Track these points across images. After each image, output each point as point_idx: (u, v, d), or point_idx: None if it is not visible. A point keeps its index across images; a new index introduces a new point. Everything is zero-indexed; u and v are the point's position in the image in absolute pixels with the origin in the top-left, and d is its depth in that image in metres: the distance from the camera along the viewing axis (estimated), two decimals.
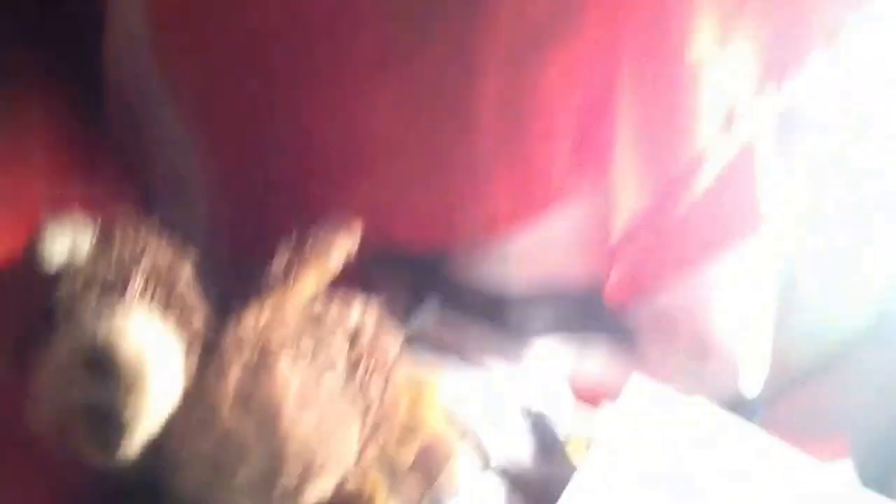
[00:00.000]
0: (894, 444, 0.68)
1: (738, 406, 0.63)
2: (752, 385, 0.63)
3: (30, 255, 0.41)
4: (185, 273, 0.43)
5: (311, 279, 0.44)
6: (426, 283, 0.60)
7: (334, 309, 0.45)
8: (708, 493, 0.55)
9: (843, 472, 0.64)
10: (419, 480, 0.51)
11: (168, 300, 0.41)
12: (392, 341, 0.47)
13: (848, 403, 0.69)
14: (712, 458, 0.56)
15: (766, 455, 0.57)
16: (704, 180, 0.57)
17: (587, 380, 0.65)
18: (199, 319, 0.42)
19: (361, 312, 0.46)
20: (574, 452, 0.62)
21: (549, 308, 0.61)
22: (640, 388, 0.59)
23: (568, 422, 0.63)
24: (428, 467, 0.52)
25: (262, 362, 0.41)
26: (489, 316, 0.61)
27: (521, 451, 0.61)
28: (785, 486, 0.56)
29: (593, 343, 0.64)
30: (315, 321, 0.44)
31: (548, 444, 0.63)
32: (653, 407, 0.58)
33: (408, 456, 0.50)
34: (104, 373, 0.39)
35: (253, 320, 0.42)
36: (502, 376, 0.62)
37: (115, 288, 0.41)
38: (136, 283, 0.41)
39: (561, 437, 0.62)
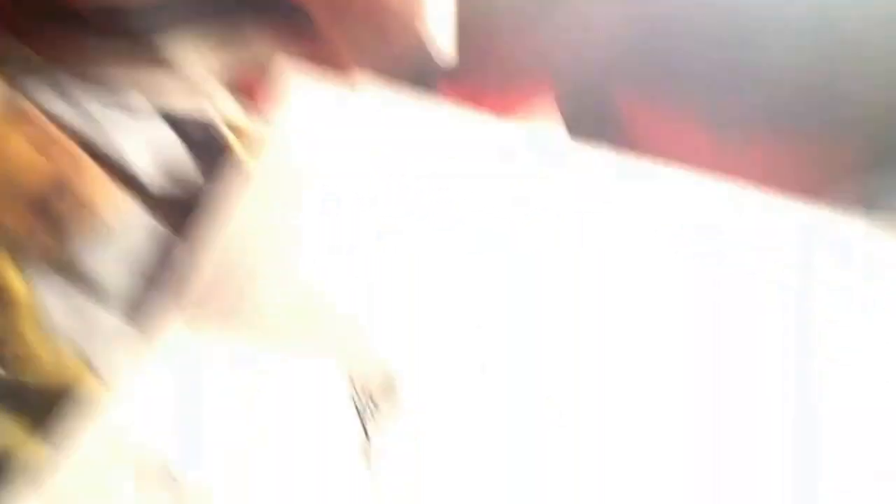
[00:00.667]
0: (599, 89, 0.63)
1: (430, 71, 0.57)
2: (442, 48, 0.57)
3: None
4: None
5: None
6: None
7: None
8: (390, 179, 0.50)
9: (547, 124, 0.59)
10: (49, 239, 0.45)
11: None
12: None
13: (551, 49, 0.63)
14: (390, 143, 0.50)
15: (451, 126, 0.51)
16: None
17: (247, 72, 0.57)
18: None
19: None
20: (240, 156, 0.55)
21: None
22: (300, 83, 0.52)
23: (229, 125, 0.56)
24: (53, 221, 0.45)
25: None
26: (112, 24, 0.51)
27: (178, 167, 0.54)
28: (476, 153, 0.51)
29: (248, 29, 0.56)
30: None
31: (210, 153, 0.56)
32: (319, 100, 0.51)
33: (21, 220, 0.43)
34: None
35: None
36: (141, 86, 0.54)
37: None
38: None
39: (223, 143, 0.55)
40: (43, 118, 0.52)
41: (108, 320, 0.52)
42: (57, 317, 0.51)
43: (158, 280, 0.53)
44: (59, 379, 0.50)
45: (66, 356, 0.50)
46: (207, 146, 0.57)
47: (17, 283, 0.49)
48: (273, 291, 0.48)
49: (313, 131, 0.54)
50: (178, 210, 0.55)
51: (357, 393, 0.48)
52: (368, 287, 0.50)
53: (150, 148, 0.56)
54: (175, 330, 0.49)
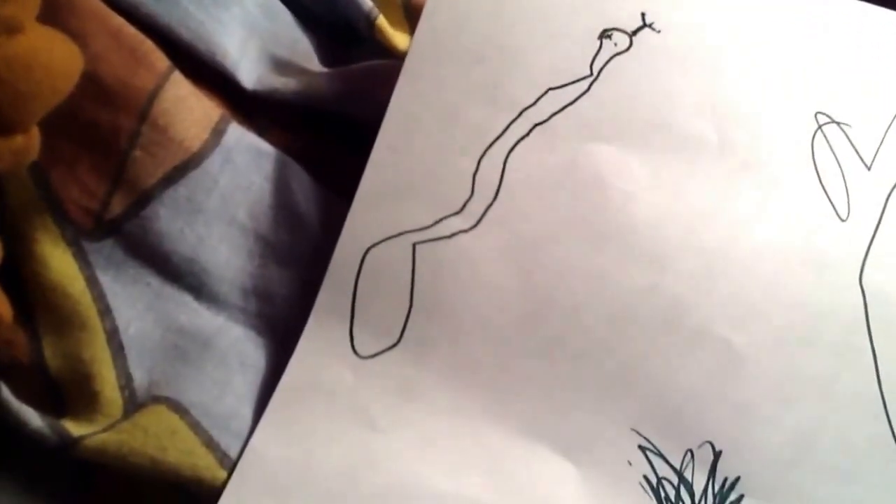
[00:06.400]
0: None
1: None
2: None
3: None
4: None
5: None
6: None
7: None
8: None
9: None
10: (99, 186, 0.35)
11: None
12: None
13: None
14: None
15: None
16: None
17: None
18: None
19: None
20: (386, 32, 0.40)
21: None
22: None
23: None
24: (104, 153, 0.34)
25: None
26: None
27: (295, 53, 0.40)
28: None
29: None
30: None
31: (341, 30, 0.41)
32: None
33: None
34: None
35: None
36: None
37: None
38: None
39: (366, 11, 0.40)
40: None
41: (216, 327, 0.35)
42: (135, 334, 0.35)
43: (290, 246, 0.36)
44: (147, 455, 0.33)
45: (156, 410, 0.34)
46: (336, 19, 0.41)
47: (77, 284, 0.34)
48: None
49: None
50: (301, 121, 0.39)
51: None
52: None
53: (247, 27, 0.38)
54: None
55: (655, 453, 0.33)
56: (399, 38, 0.39)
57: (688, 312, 0.33)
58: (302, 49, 0.39)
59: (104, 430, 0.32)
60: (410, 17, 0.40)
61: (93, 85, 0.33)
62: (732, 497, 0.33)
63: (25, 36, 0.29)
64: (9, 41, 0.29)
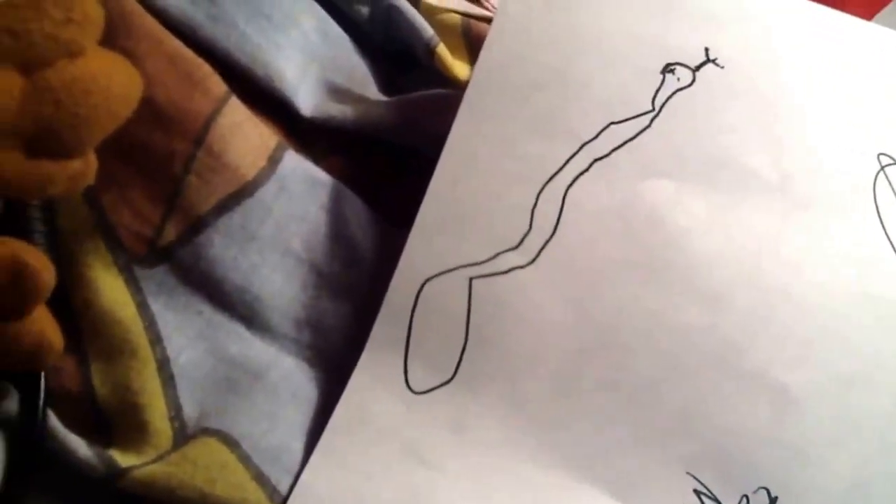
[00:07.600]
0: None
1: None
2: None
3: None
4: None
5: None
6: None
7: None
8: None
9: None
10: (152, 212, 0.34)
11: None
12: None
13: None
14: None
15: None
16: None
17: None
18: None
19: None
20: (447, 62, 0.40)
21: None
22: None
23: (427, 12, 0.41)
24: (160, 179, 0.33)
25: None
26: None
27: (353, 80, 0.39)
28: None
29: None
30: None
31: (398, 58, 0.41)
32: None
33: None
34: None
35: None
36: None
37: None
38: None
39: (419, 42, 0.39)
40: (144, 17, 0.34)
41: (267, 358, 0.34)
42: (186, 364, 0.34)
43: (344, 278, 0.36)
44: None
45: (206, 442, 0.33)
46: (395, 46, 0.41)
47: (128, 311, 0.33)
48: None
49: (558, 21, 0.36)
50: (358, 148, 0.38)
51: None
52: None
53: (306, 52, 0.38)
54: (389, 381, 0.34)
55: (710, 498, 0.33)
56: (458, 67, 0.38)
57: (744, 353, 0.33)
58: (359, 75, 0.38)
59: (153, 462, 0.31)
60: (470, 45, 0.39)
61: (148, 108, 0.32)
62: None
63: (86, 60, 0.29)
64: (69, 65, 0.28)
